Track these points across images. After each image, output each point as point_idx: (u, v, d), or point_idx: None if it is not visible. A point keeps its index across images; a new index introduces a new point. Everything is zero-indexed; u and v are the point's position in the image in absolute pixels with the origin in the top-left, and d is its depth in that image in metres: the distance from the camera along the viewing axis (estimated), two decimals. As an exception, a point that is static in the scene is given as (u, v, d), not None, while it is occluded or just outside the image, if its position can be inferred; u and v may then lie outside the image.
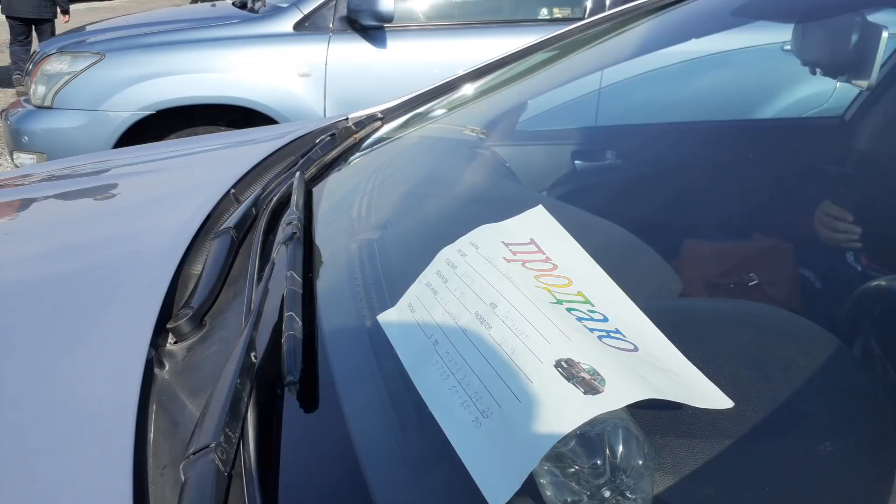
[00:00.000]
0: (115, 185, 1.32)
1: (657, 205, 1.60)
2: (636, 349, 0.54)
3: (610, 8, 3.25)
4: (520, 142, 1.77)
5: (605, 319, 0.58)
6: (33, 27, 6.77)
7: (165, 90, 3.07)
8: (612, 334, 0.56)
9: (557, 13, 3.29)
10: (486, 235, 0.71)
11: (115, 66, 3.09)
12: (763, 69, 2.58)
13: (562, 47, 1.77)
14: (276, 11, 3.20)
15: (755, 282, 1.34)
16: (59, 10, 6.75)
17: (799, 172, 1.61)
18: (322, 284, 0.81)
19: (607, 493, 0.44)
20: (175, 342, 0.77)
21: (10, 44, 6.79)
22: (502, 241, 0.69)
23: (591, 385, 0.48)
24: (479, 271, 0.65)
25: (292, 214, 0.94)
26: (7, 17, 6.67)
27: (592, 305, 0.60)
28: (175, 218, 1.06)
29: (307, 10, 3.12)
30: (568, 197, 1.68)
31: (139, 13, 4.32)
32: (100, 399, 0.63)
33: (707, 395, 0.50)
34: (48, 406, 0.63)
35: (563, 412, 0.46)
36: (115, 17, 4.12)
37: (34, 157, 3.22)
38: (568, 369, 0.49)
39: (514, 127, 1.76)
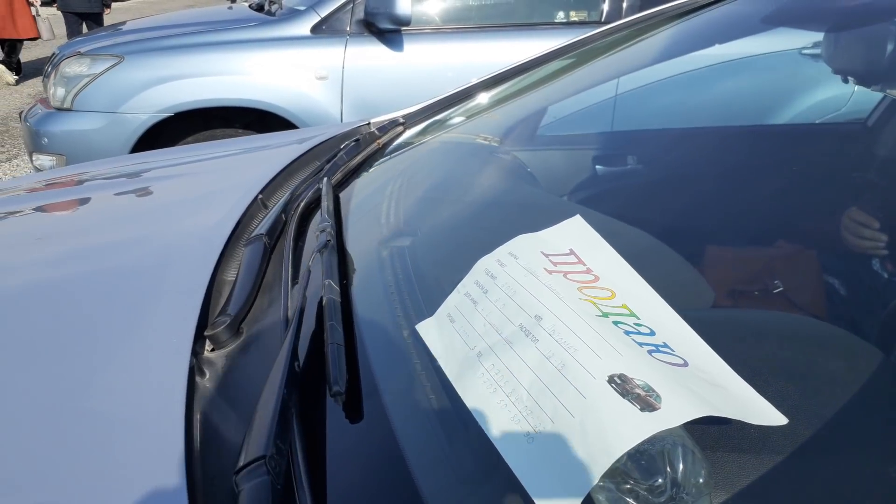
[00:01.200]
0: (143, 189, 1.33)
1: (679, 211, 1.59)
2: (686, 364, 0.54)
3: (626, 12, 3.25)
4: (542, 147, 1.77)
5: (653, 333, 0.58)
6: (83, 21, 7.47)
7: (184, 93, 3.08)
8: (660, 349, 0.56)
9: (574, 17, 3.28)
10: (525, 245, 0.71)
11: (134, 68, 3.11)
12: (780, 75, 2.57)
13: (584, 52, 1.77)
14: (294, 14, 3.21)
15: (780, 289, 1.34)
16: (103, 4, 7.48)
17: (823, 178, 1.60)
18: (357, 292, 0.81)
19: (666, 511, 0.44)
20: (212, 350, 0.77)
21: (68, 37, 7.30)
22: (542, 252, 0.69)
23: (646, 402, 0.48)
24: (521, 282, 0.65)
25: (325, 222, 0.94)
26: (63, 12, 7.40)
27: (638, 318, 0.60)
28: (205, 223, 1.07)
29: (324, 13, 3.13)
30: (592, 203, 1.68)
31: (155, 15, 4.35)
32: (146, 408, 0.63)
33: (761, 411, 0.50)
34: (94, 416, 0.63)
35: (620, 430, 0.46)
36: (132, 20, 4.14)
37: (54, 158, 3.24)
38: (622, 385, 0.49)
39: (536, 132, 1.76)
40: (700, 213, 1.61)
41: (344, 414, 0.61)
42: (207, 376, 0.72)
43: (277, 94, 3.13)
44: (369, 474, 0.57)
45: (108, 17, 7.65)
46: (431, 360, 0.66)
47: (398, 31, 3.12)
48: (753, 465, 0.52)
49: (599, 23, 3.22)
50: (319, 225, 0.93)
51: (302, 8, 3.24)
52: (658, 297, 0.63)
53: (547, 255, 0.69)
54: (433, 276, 0.86)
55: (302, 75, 3.13)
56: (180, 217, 1.13)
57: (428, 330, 0.70)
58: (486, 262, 0.71)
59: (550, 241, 0.71)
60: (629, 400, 0.48)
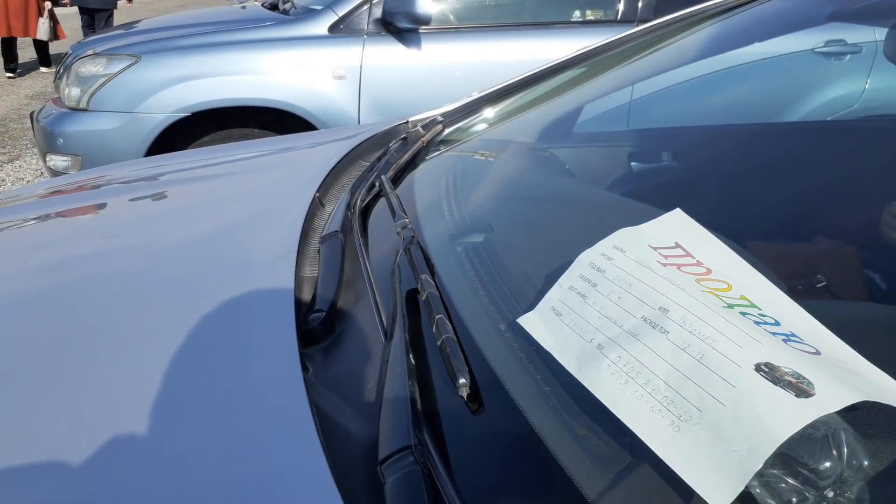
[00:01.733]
0: (195, 190, 1.33)
1: (717, 208, 1.60)
2: (818, 353, 0.55)
3: (642, 11, 3.26)
4: (580, 144, 1.78)
5: (778, 323, 0.59)
6: (95, 16, 7.85)
7: (201, 92, 3.08)
8: (791, 338, 0.56)
9: (590, 15, 3.30)
10: (630, 239, 0.72)
11: (151, 68, 3.11)
12: (812, 72, 2.59)
13: (618, 53, 1.78)
14: (311, 14, 3.22)
15: (823, 283, 1.35)
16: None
17: (860, 174, 1.62)
18: (448, 287, 0.82)
19: (830, 494, 0.45)
20: (309, 346, 0.78)
21: (84, 34, 7.65)
22: (649, 245, 0.70)
23: (800, 388, 0.48)
24: (636, 276, 0.65)
25: (402, 218, 0.95)
26: (79, 7, 7.79)
27: (761, 309, 0.60)
28: (274, 223, 1.07)
29: (342, 12, 3.13)
30: (633, 197, 1.69)
31: (168, 15, 4.34)
32: (271, 409, 0.64)
33: (905, 397, 0.51)
34: (221, 419, 0.63)
35: (780, 416, 0.47)
36: (146, 19, 4.13)
37: (69, 159, 3.23)
38: (770, 373, 0.50)
39: (573, 129, 1.77)
40: (739, 209, 1.62)
41: (467, 405, 0.61)
42: (311, 371, 0.73)
43: (295, 93, 3.13)
44: (505, 462, 0.57)
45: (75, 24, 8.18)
46: (540, 352, 0.67)
47: (416, 31, 3.13)
48: (886, 449, 0.53)
49: (615, 22, 3.24)
50: (399, 222, 0.93)
51: (318, 7, 3.25)
52: (775, 288, 0.64)
53: (655, 249, 0.69)
54: (516, 270, 0.87)
55: (319, 75, 3.13)
56: (244, 217, 1.14)
57: (532, 323, 0.70)
58: (589, 256, 0.71)
59: (654, 234, 0.72)
60: (782, 387, 0.49)
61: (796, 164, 1.70)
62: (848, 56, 2.80)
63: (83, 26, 7.85)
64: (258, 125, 3.28)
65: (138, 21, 4.11)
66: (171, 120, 3.11)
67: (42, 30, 7.73)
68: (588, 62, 1.76)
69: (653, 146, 1.83)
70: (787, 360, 0.52)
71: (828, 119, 2.71)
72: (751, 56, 2.11)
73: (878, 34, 2.56)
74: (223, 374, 0.70)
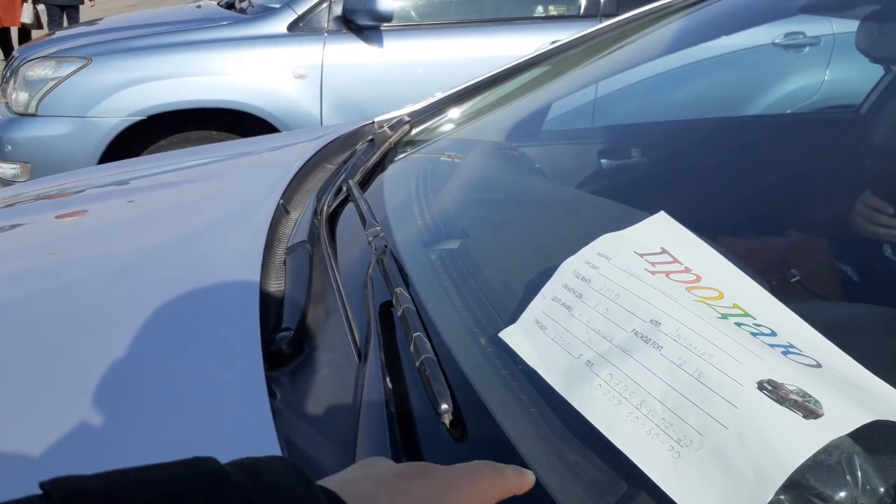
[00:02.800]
0: (152, 198, 1.26)
1: (688, 203, 1.59)
2: (819, 365, 0.52)
3: (604, 6, 3.25)
4: (549, 142, 1.75)
5: (775, 334, 0.56)
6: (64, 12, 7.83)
7: (157, 95, 2.97)
8: (790, 350, 0.53)
9: (553, 11, 3.28)
10: (614, 245, 0.68)
11: (103, 70, 2.99)
12: (772, 66, 2.61)
13: (585, 49, 1.75)
14: (269, 12, 3.13)
15: (797, 278, 1.34)
16: None
17: (825, 166, 1.62)
18: (424, 300, 0.77)
19: (846, 524, 0.42)
20: (277, 368, 0.73)
21: (49, 28, 7.57)
22: (635, 252, 0.67)
23: (807, 408, 0.45)
24: (623, 285, 0.62)
25: (373, 226, 0.90)
26: (45, 4, 7.69)
27: (755, 319, 0.57)
28: (236, 234, 1.01)
29: (301, 10, 3.05)
30: (598, 194, 1.67)
31: (124, 14, 4.20)
32: (240, 439, 0.59)
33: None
34: (191, 450, 0.58)
35: (789, 441, 0.44)
36: (108, 17, 3.99)
37: (18, 167, 3.10)
38: (774, 391, 0.47)
39: (542, 127, 1.74)
40: (710, 204, 1.61)
41: (450, 433, 0.57)
42: (279, 397, 0.68)
43: (254, 94, 3.04)
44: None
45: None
46: (526, 369, 0.63)
47: (377, 28, 3.07)
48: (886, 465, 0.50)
49: (578, 17, 3.22)
50: (370, 230, 0.89)
51: (277, 5, 3.16)
52: (767, 294, 0.61)
53: (641, 255, 0.66)
54: (495, 279, 0.83)
55: (279, 74, 3.05)
56: (202, 228, 1.07)
57: (515, 338, 0.66)
58: (573, 265, 0.68)
59: (639, 239, 0.69)
60: (788, 407, 0.46)
61: (765, 158, 1.69)
62: (807, 48, 2.84)
63: (50, 23, 7.75)
64: (217, 127, 3.18)
65: (100, 19, 3.97)
66: (126, 124, 3.00)
67: (27, 13, 7.60)
68: (555, 59, 1.73)
69: (621, 143, 1.81)
70: (789, 375, 0.48)
71: (788, 112, 2.74)
72: (715, 50, 2.11)
73: (836, 26, 2.59)
74: (183, 401, 0.65)
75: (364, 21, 2.96)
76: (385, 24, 3.04)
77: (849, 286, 1.29)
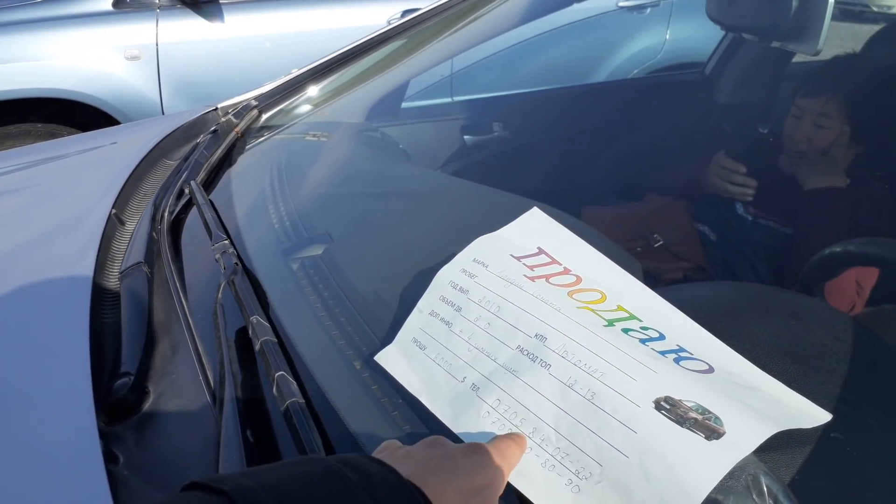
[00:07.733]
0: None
1: (546, 174, 1.59)
2: (712, 369, 0.50)
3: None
4: (411, 120, 1.68)
5: (663, 337, 0.53)
6: None
7: (-39, 85, 2.59)
8: (681, 355, 0.51)
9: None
10: (489, 249, 0.63)
11: None
12: (610, 30, 2.68)
13: (437, 23, 1.69)
14: (89, -13, 2.80)
15: (660, 243, 1.37)
16: None
17: (681, 129, 1.67)
18: (288, 327, 0.68)
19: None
20: (116, 422, 0.62)
21: None
22: (511, 255, 0.62)
23: (708, 427, 0.42)
24: (504, 296, 0.57)
25: (221, 239, 0.80)
26: None
27: (641, 321, 0.54)
28: (59, 253, 0.87)
29: (126, -16, 2.76)
30: (464, 173, 1.63)
31: None
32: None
33: (807, 413, 0.47)
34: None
35: (693, 468, 0.40)
36: None
37: None
38: (673, 410, 0.44)
39: (401, 105, 1.66)
40: (570, 175, 1.62)
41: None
42: (120, 461, 0.57)
43: (82, 79, 2.73)
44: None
45: None
46: (408, 398, 0.57)
47: (216, 2, 2.84)
48: (783, 462, 0.49)
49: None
50: (217, 245, 0.78)
51: (97, -21, 2.83)
52: (647, 290, 0.58)
53: (519, 259, 0.61)
54: (366, 290, 0.75)
55: (108, 56, 2.75)
56: (17, 248, 0.91)
57: (392, 360, 0.60)
58: (448, 274, 0.62)
59: (514, 240, 0.64)
60: (689, 428, 0.42)
61: (622, 124, 1.72)
62: (648, 10, 2.94)
63: None
64: (41, 119, 2.83)
65: None
66: (-74, 121, 2.60)
67: None
68: (409, 32, 1.65)
69: (480, 117, 1.78)
70: (685, 390, 0.45)
71: (635, 72, 2.83)
72: (564, 18, 2.12)
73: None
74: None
75: (201, -6, 2.73)
76: (224, -2, 2.82)
77: (708, 246, 1.33)
